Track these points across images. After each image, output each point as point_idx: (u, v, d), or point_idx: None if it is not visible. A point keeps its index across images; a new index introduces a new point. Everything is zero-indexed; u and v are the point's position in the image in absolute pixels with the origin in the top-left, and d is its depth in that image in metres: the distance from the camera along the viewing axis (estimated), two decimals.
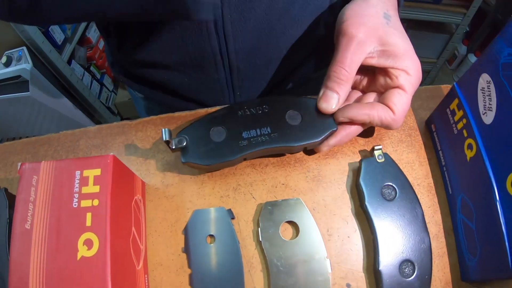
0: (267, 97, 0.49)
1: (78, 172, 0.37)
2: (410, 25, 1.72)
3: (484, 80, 0.39)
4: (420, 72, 0.46)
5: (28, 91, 1.31)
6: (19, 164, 0.38)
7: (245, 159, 0.48)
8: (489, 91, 0.39)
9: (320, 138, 0.46)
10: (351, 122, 0.46)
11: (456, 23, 1.65)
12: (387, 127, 0.46)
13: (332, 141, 0.47)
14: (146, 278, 0.43)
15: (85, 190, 0.36)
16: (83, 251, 0.34)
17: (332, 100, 0.45)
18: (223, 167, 0.48)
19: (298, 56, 0.62)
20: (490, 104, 0.39)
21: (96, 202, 0.36)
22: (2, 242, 0.43)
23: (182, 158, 0.45)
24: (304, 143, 0.46)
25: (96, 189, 0.36)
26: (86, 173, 0.37)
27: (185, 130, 0.47)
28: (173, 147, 0.45)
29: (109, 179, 0.37)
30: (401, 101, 0.44)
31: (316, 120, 0.47)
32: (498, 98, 0.37)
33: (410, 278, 0.41)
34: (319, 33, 0.59)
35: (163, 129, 0.43)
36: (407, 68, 0.45)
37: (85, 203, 0.36)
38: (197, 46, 0.53)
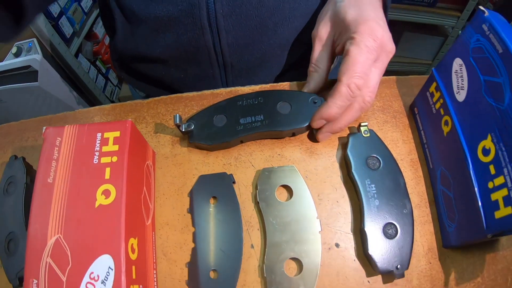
0: (263, 91, 0.56)
1: (99, 134, 0.43)
2: (407, 27, 1.77)
3: (457, 63, 0.45)
4: (376, 32, 0.45)
5: (37, 81, 1.35)
6: (44, 128, 0.43)
7: (241, 142, 0.54)
8: (461, 72, 0.44)
9: (305, 125, 0.52)
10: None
11: (451, 26, 1.69)
12: (350, 100, 0.47)
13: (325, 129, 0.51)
14: (153, 235, 0.48)
15: (105, 149, 0.42)
16: (101, 200, 0.39)
17: (305, 87, 0.53)
18: (223, 147, 0.54)
19: (291, 55, 0.66)
20: (462, 84, 0.44)
21: (115, 158, 0.41)
22: (18, 204, 0.48)
23: (189, 139, 0.53)
24: (291, 128, 0.52)
25: (115, 148, 0.42)
26: (106, 135, 0.43)
27: (194, 117, 0.54)
28: (183, 130, 0.52)
29: (127, 139, 0.42)
30: (347, 66, 0.45)
31: (303, 110, 0.53)
32: (469, 78, 0.43)
33: (393, 239, 0.45)
34: (310, 33, 0.64)
35: (175, 115, 0.49)
36: (354, 34, 0.46)
37: (105, 159, 0.41)
38: (192, 40, 0.58)
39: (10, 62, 1.32)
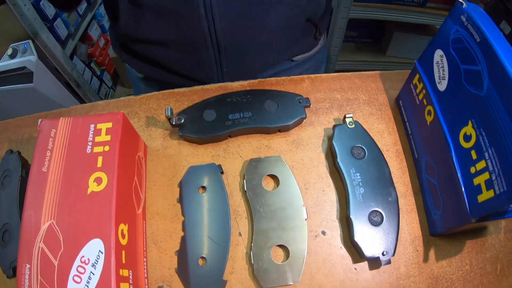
0: (252, 90, 0.59)
1: (92, 125, 0.44)
2: (397, 28, 1.78)
3: (438, 55, 0.47)
4: None
5: (32, 83, 1.36)
6: (40, 120, 0.45)
7: (230, 136, 0.56)
8: (442, 63, 0.46)
9: (291, 123, 0.55)
10: None
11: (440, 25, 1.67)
12: None
13: None
14: (144, 224, 0.49)
15: (98, 139, 0.43)
16: (93, 187, 0.40)
17: None
18: (211, 141, 0.56)
19: (279, 40, 0.69)
20: (443, 74, 0.46)
21: (107, 148, 0.43)
22: (13, 196, 0.49)
23: (179, 132, 0.54)
24: (277, 125, 0.55)
25: (108, 138, 0.43)
26: (99, 126, 0.44)
27: (184, 111, 0.56)
28: (173, 123, 0.54)
29: (119, 130, 0.44)
30: None
31: (289, 109, 0.56)
32: (449, 68, 0.45)
33: (379, 226, 0.47)
34: (297, 18, 0.67)
35: (167, 108, 0.51)
36: None
37: (97, 149, 0.43)
38: (189, 25, 0.61)
39: (6, 63, 1.33)
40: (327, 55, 0.86)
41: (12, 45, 1.37)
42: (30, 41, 1.37)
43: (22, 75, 1.36)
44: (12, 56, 1.35)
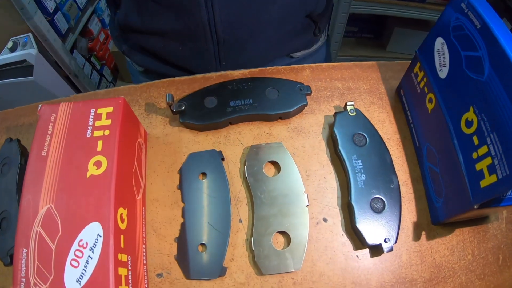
0: (253, 77, 0.59)
1: (93, 110, 0.44)
2: (397, 23, 1.78)
3: (439, 42, 0.46)
4: None
5: (32, 76, 1.36)
6: (40, 105, 0.45)
7: (230, 123, 0.56)
8: (443, 51, 0.46)
9: (292, 110, 0.55)
10: None
11: None
12: None
13: None
14: (143, 211, 0.49)
15: (98, 123, 0.43)
16: (92, 171, 0.40)
17: None
18: (212, 128, 0.56)
19: (278, 32, 0.69)
20: (444, 62, 0.46)
21: (107, 132, 0.42)
22: (12, 183, 0.49)
23: (180, 118, 0.54)
24: (278, 112, 0.55)
25: (108, 122, 0.43)
26: (100, 110, 0.44)
27: (185, 97, 0.56)
28: (174, 110, 0.53)
29: (119, 114, 0.44)
30: None
31: (290, 96, 0.56)
32: (450, 55, 0.44)
33: (380, 213, 0.47)
34: (296, 13, 0.67)
35: (167, 94, 0.51)
36: None
37: (98, 133, 0.42)
38: (190, 17, 0.61)
39: (6, 56, 1.33)
40: (327, 54, 0.86)
41: (12, 38, 1.37)
42: (30, 34, 1.37)
43: (22, 68, 1.35)
44: (13, 50, 1.34)
